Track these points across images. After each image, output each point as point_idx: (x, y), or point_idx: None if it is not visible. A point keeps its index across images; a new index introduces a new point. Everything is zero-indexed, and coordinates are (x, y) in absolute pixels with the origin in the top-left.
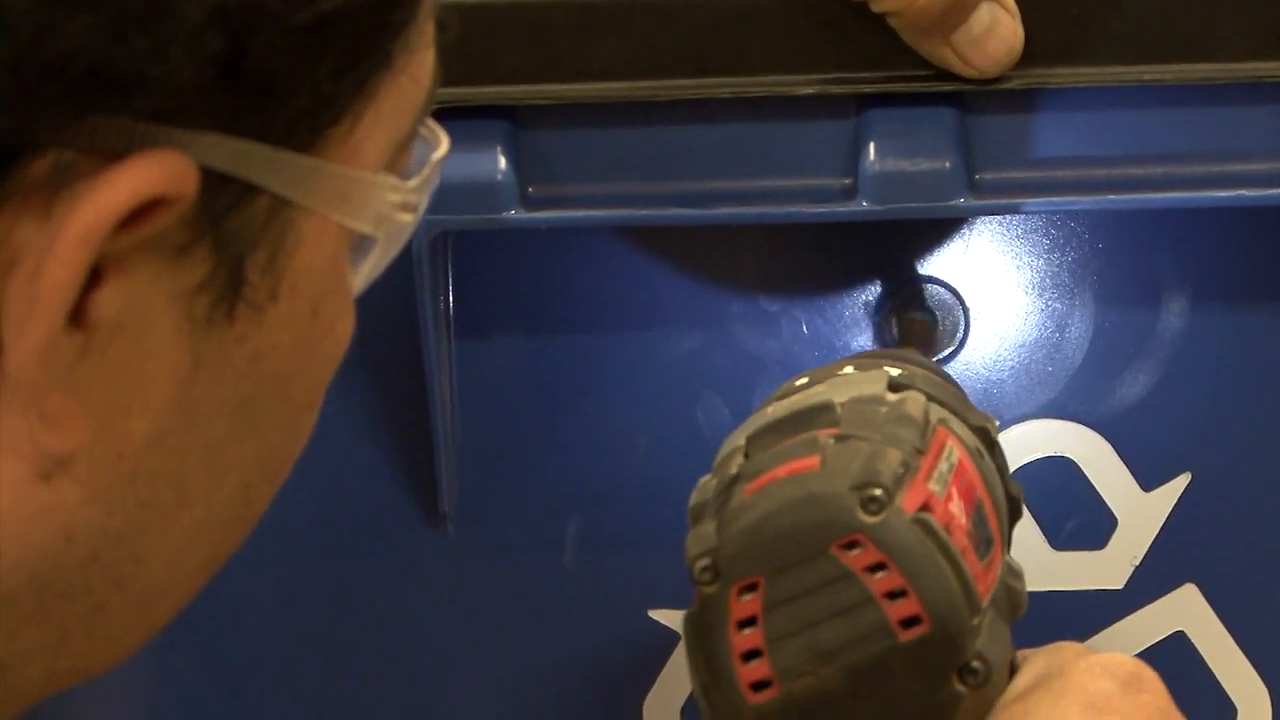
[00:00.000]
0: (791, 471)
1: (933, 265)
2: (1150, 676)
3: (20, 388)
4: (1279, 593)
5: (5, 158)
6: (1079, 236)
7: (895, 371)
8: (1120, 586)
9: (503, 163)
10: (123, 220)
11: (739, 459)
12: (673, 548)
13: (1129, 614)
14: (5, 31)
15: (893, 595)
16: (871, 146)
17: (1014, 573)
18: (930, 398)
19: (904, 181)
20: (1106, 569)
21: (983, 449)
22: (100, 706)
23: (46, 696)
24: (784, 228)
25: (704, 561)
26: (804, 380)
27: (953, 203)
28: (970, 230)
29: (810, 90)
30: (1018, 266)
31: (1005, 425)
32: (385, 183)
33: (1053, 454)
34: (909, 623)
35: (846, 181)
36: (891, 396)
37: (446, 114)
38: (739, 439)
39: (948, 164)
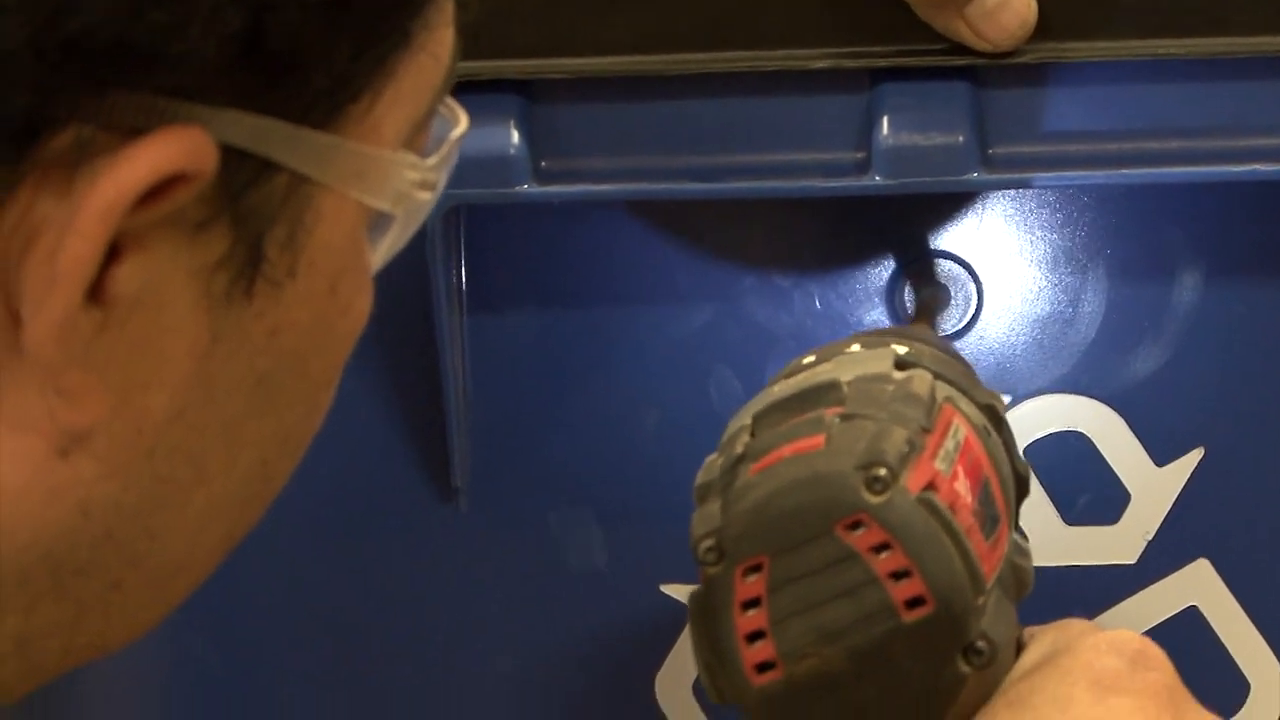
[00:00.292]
0: (797, 451)
1: (945, 240)
2: (1157, 654)
3: (39, 364)
4: None
5: (26, 134)
6: (1092, 211)
7: (902, 349)
8: (1133, 562)
9: (515, 137)
10: (142, 196)
11: (745, 438)
12: (685, 522)
13: (1142, 589)
14: (26, 7)
15: (897, 576)
16: (884, 121)
17: (1021, 551)
18: (937, 375)
19: (917, 156)
20: (1119, 544)
21: (990, 427)
22: (115, 683)
23: (65, 671)
24: (797, 202)
25: (708, 542)
26: (811, 358)
27: (966, 177)
28: (983, 205)
29: (823, 64)
30: (1031, 241)
31: (1018, 400)
32: (404, 160)
33: (1065, 429)
34: (913, 603)
35: (859, 156)
36: (898, 375)
37: (459, 87)
38: (745, 418)
39: (961, 138)
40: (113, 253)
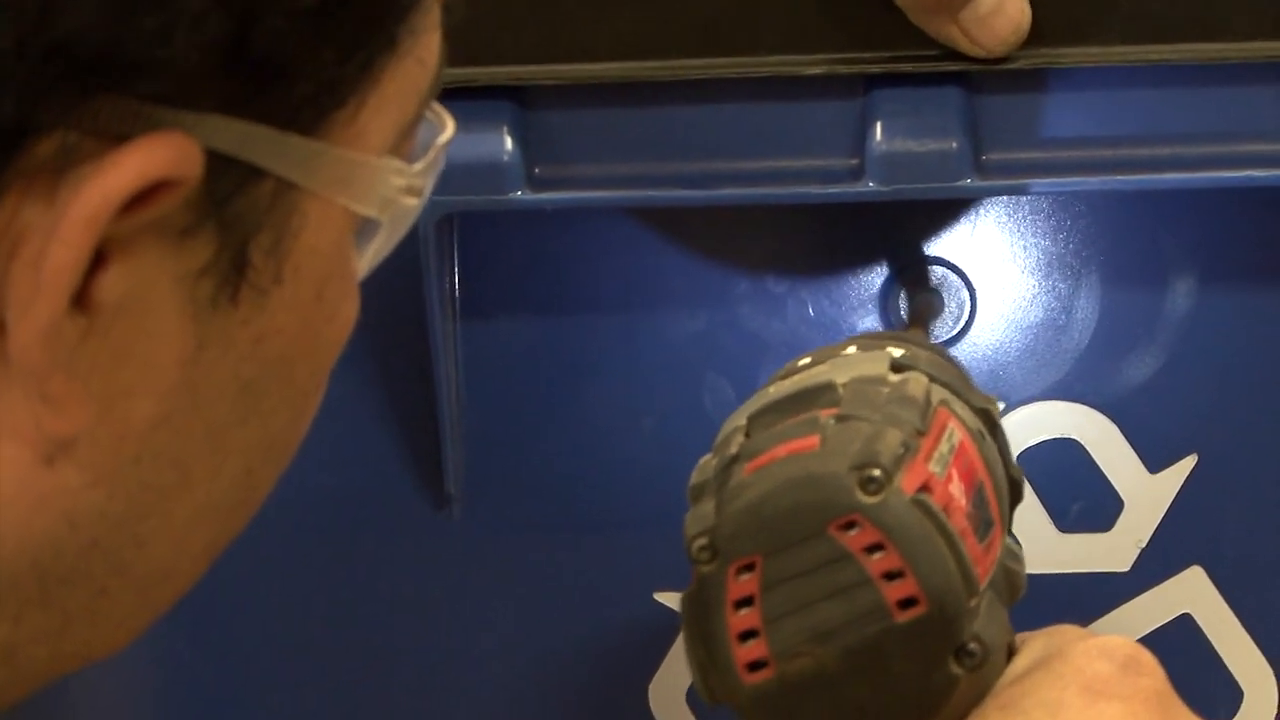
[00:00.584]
0: (791, 451)
1: (939, 246)
2: (1148, 659)
3: (23, 371)
4: None
5: (10, 139)
6: (1086, 217)
7: (898, 352)
8: (1126, 569)
9: (508, 143)
10: (127, 202)
11: (740, 438)
12: (678, 530)
13: (1135, 597)
14: (10, 12)
15: (890, 576)
16: (878, 127)
17: (1014, 555)
18: (932, 379)
19: (911, 162)
20: (1113, 551)
21: (985, 431)
22: (107, 694)
23: (53, 679)
24: (790, 209)
25: (701, 541)
26: (807, 360)
27: (959, 184)
28: (977, 211)
29: (817, 70)
30: (1024, 247)
31: (1011, 407)
32: (390, 166)
33: (1059, 436)
34: (906, 604)
35: (853, 162)
36: (894, 377)
37: (452, 94)
38: (740, 418)
39: (954, 144)
40: (98, 259)
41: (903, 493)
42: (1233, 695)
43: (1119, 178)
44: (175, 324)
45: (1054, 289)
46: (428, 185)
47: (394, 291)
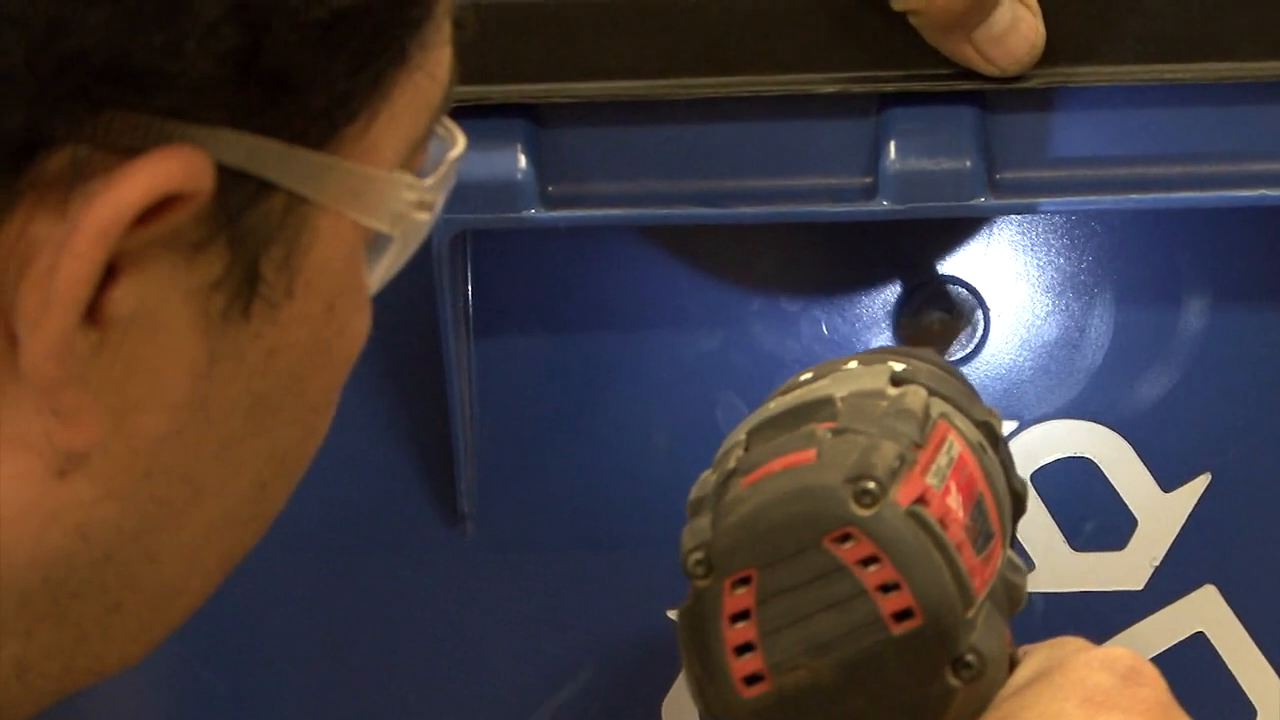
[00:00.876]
0: (787, 464)
1: (953, 265)
2: (1149, 671)
3: (35, 384)
4: None
5: (21, 153)
6: (1099, 236)
7: (899, 366)
8: (1140, 587)
9: (523, 161)
10: (139, 216)
11: (738, 452)
12: None
13: (1149, 615)
14: (21, 26)
15: (885, 588)
16: (892, 145)
17: (1015, 567)
18: (933, 392)
19: (924, 181)
20: (1126, 570)
21: (986, 444)
22: (119, 708)
23: (64, 695)
24: (804, 227)
25: (698, 555)
26: (808, 375)
27: (973, 202)
28: (990, 230)
29: (831, 89)
30: (1038, 266)
31: (1025, 426)
32: (401, 181)
33: (1072, 454)
34: (901, 616)
35: (867, 180)
36: (892, 391)
37: (466, 112)
38: (740, 434)
39: (968, 163)
40: (109, 273)
41: (898, 505)
42: (1246, 714)
43: (1132, 196)
44: (187, 338)
45: (1067, 308)
46: (439, 200)
47: (407, 309)
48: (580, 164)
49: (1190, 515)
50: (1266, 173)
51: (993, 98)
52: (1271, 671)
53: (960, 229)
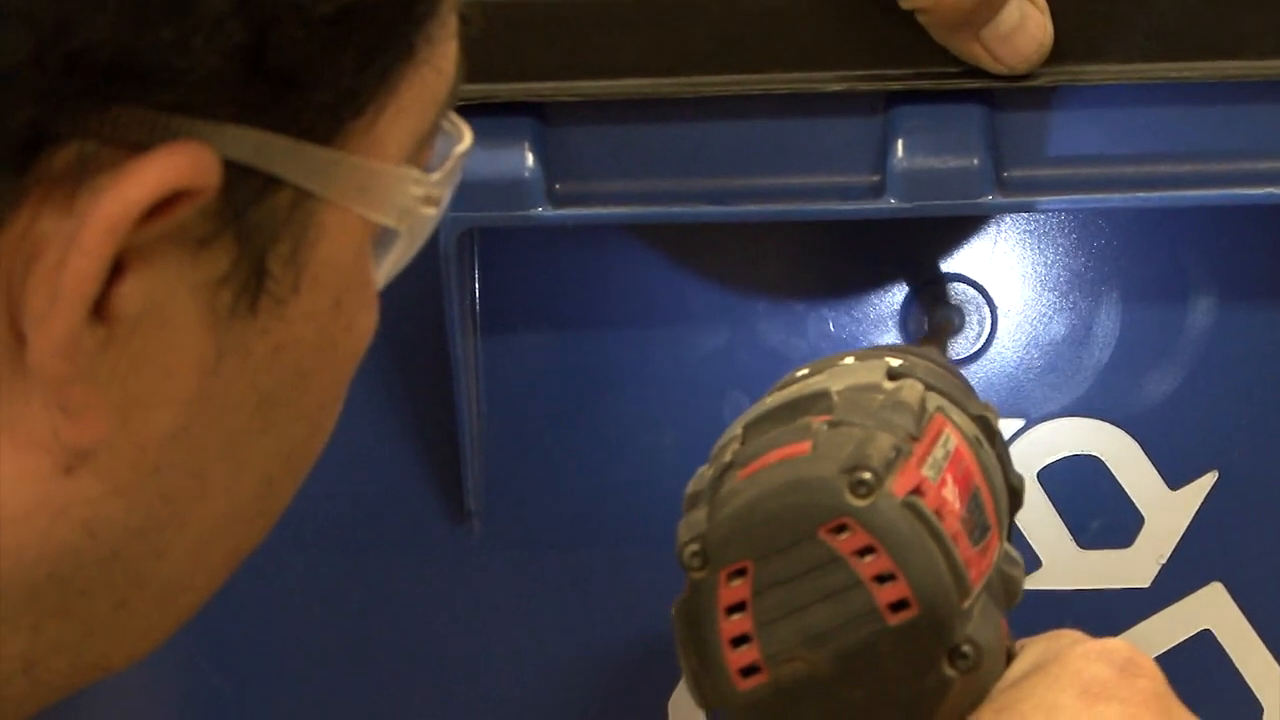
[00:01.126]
0: (782, 457)
1: (960, 263)
2: (1146, 662)
3: (42, 381)
4: None
5: (28, 149)
6: (1106, 234)
7: (895, 362)
8: (1147, 585)
9: (530, 159)
10: (146, 212)
11: (734, 446)
12: None
13: (1155, 613)
14: (28, 22)
15: (881, 579)
16: (899, 144)
17: (1012, 561)
18: (929, 386)
19: (932, 179)
20: (1133, 568)
21: (982, 438)
22: (125, 705)
23: (71, 692)
24: (811, 225)
25: (693, 547)
26: (805, 371)
27: (980, 200)
28: (998, 228)
29: (838, 87)
30: (1045, 264)
31: (1032, 423)
32: (408, 175)
33: (1079, 452)
34: (897, 606)
35: (874, 179)
36: (888, 385)
37: (473, 110)
38: (736, 428)
39: (976, 161)
40: (116, 269)
41: (893, 496)
42: (1253, 711)
43: (1139, 194)
44: (194, 334)
45: (1074, 305)
46: (446, 195)
47: (414, 307)
48: (587, 162)
49: (1197, 513)
50: (1274, 171)
51: (1000, 96)
52: (1278, 669)
53: (967, 227)
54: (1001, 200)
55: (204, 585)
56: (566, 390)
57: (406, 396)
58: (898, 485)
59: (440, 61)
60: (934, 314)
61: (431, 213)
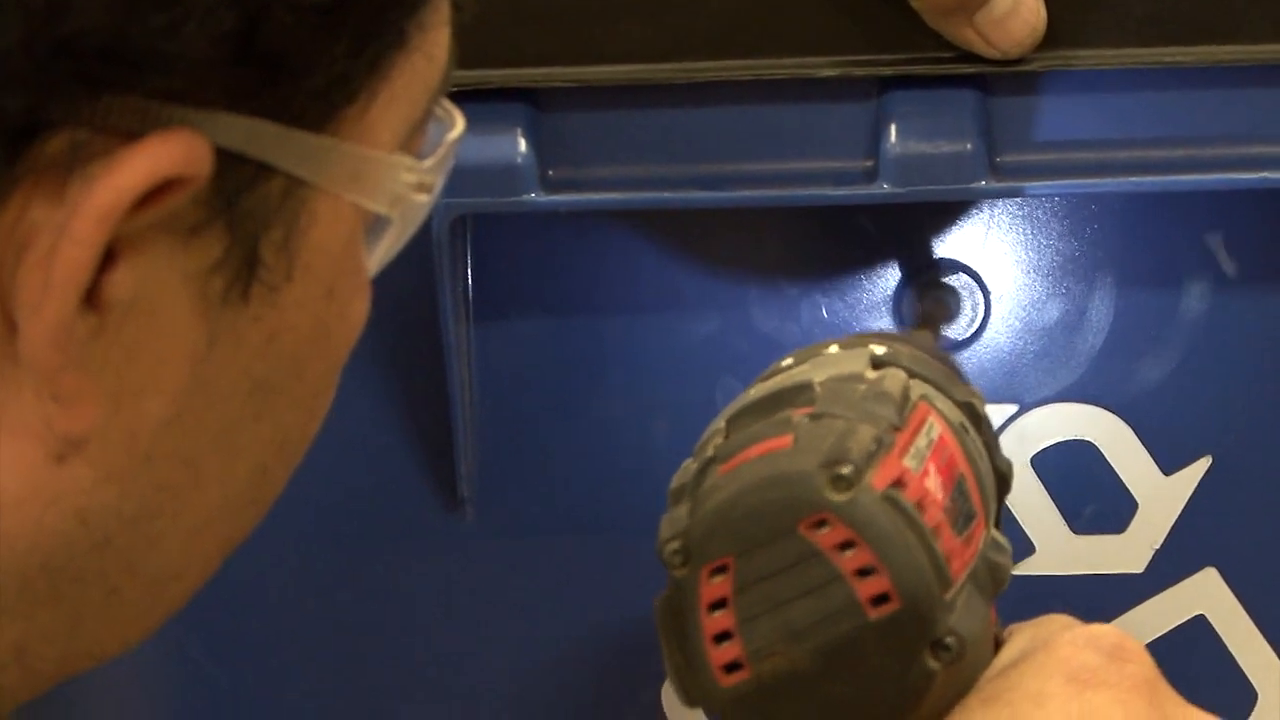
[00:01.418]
0: (764, 451)
1: (953, 248)
2: (1135, 647)
3: (34, 369)
4: None
5: (19, 137)
6: (1100, 219)
7: (879, 350)
8: (1140, 571)
9: (523, 145)
10: (137, 200)
11: (717, 440)
12: None
13: (1149, 598)
14: (20, 8)
15: (862, 573)
16: (892, 129)
17: (999, 547)
18: (913, 374)
19: (925, 164)
20: (1127, 553)
21: (968, 424)
22: (119, 694)
23: (62, 679)
24: (804, 211)
25: (675, 544)
26: (789, 361)
27: (973, 185)
28: (991, 213)
29: (831, 72)
30: (1039, 249)
31: (1025, 409)
32: (400, 162)
33: (1073, 438)
34: (879, 600)
35: (867, 164)
36: (871, 374)
37: (466, 96)
38: (720, 421)
39: (969, 146)
40: (108, 257)
41: (873, 489)
42: (1247, 697)
43: (1133, 179)
44: (186, 322)
45: (1068, 291)
46: (438, 182)
47: (407, 293)
48: (580, 148)
49: (1191, 498)
50: (1268, 155)
51: (994, 81)
52: (1272, 654)
53: (961, 212)
54: (995, 185)
55: (196, 573)
56: (559, 376)
57: (399, 384)
58: (878, 478)
59: (432, 48)
60: (927, 299)
61: (424, 199)
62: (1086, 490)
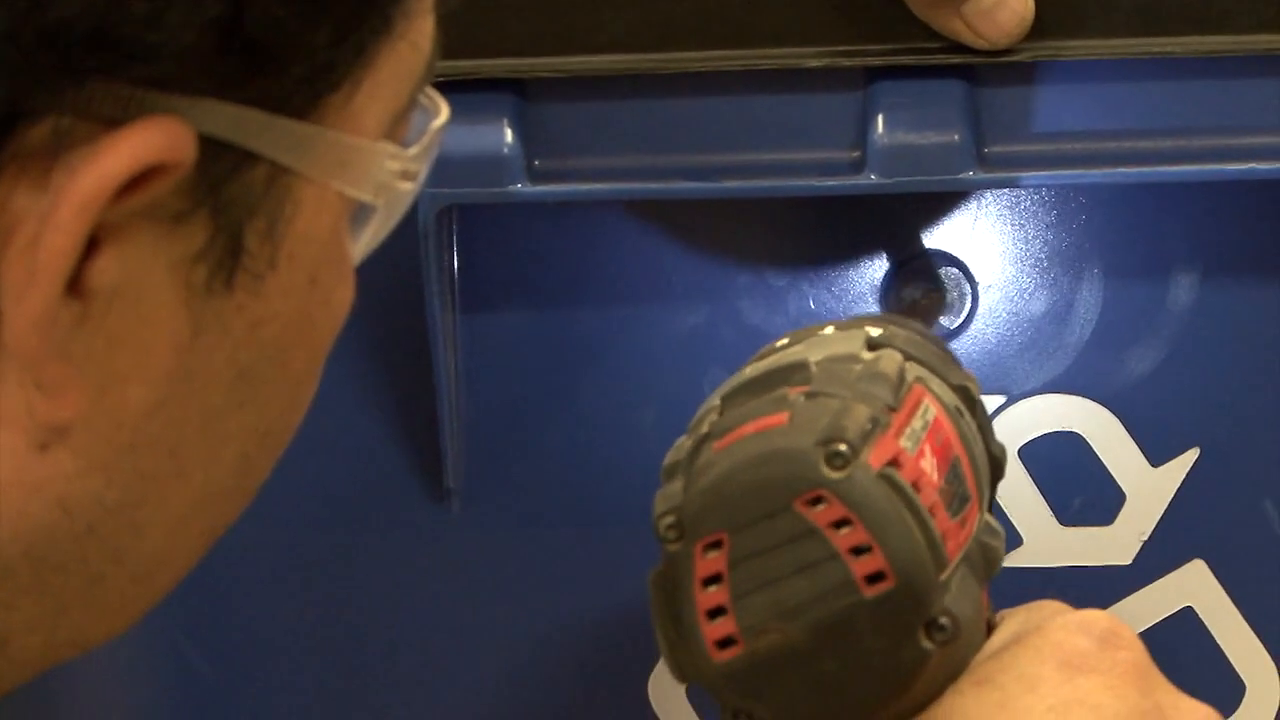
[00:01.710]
0: (759, 428)
1: (940, 239)
2: (1127, 634)
3: (18, 357)
4: None
5: (2, 124)
6: (1088, 210)
7: (875, 331)
8: (1128, 562)
9: (509, 135)
10: (121, 188)
11: (712, 417)
12: None
13: (1137, 590)
14: None
15: (857, 551)
16: (880, 119)
17: (992, 531)
18: (909, 357)
19: (912, 155)
20: (1115, 545)
21: (963, 407)
22: (106, 688)
23: (46, 669)
24: (791, 201)
25: (669, 519)
26: (784, 341)
27: (961, 176)
28: (979, 204)
29: (818, 63)
30: (1026, 240)
31: (1013, 400)
32: (384, 150)
33: (1061, 429)
34: (874, 578)
35: (855, 154)
36: (867, 355)
37: (453, 86)
38: (714, 399)
39: (957, 137)
40: (91, 245)
41: (869, 468)
42: (1235, 689)
43: (1121, 170)
44: (170, 310)
45: (1056, 282)
46: (423, 170)
47: (393, 284)
48: (567, 138)
49: (1179, 490)
50: (1256, 146)
51: (982, 71)
52: (1260, 646)
53: (948, 203)
54: (982, 176)
55: (181, 561)
56: (546, 367)
57: (385, 373)
58: (874, 457)
59: (417, 36)
60: (915, 290)
61: (408, 187)
62: (1074, 482)
